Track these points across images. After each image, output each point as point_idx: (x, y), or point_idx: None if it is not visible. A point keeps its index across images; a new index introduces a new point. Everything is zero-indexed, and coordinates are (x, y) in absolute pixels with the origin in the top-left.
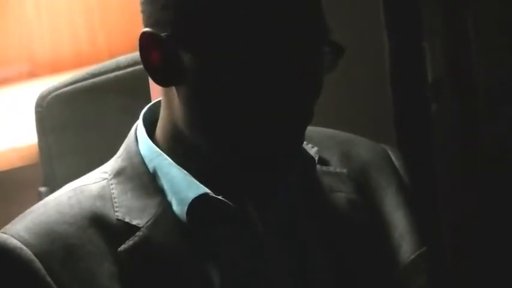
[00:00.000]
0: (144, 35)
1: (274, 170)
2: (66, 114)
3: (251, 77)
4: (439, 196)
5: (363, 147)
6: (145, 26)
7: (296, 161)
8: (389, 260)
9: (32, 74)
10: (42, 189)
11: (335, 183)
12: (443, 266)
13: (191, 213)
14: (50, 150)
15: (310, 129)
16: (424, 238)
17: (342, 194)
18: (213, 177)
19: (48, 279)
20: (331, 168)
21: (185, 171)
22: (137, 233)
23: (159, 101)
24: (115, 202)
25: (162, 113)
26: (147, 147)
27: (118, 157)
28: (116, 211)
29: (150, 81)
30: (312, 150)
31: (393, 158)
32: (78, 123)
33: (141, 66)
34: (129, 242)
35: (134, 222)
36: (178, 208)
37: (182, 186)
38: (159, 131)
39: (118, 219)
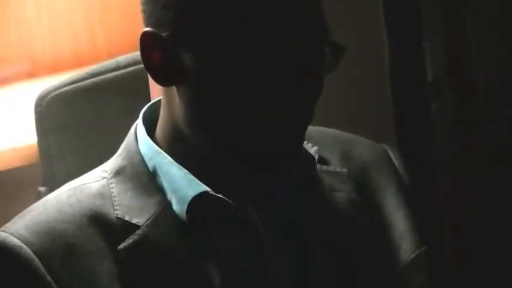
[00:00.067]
0: (144, 35)
1: (274, 170)
2: (65, 114)
3: (251, 77)
4: (439, 196)
5: (363, 147)
6: (146, 26)
7: (296, 161)
8: (389, 259)
9: (32, 74)
10: (42, 189)
11: (335, 183)
12: (443, 266)
13: (191, 211)
14: (50, 150)
15: (311, 129)
16: (424, 238)
17: (342, 194)
18: (213, 176)
19: (48, 278)
20: (331, 168)
21: (185, 170)
22: (137, 232)
23: (159, 100)
24: (115, 201)
25: (162, 113)
26: (147, 146)
27: (118, 156)
28: (116, 210)
29: (150, 80)
30: (312, 149)
31: (393, 158)
32: (78, 123)
33: (140, 66)
34: (129, 241)
35: (134, 221)
36: (178, 207)
37: (182, 185)
38: (159, 130)
39: (118, 218)
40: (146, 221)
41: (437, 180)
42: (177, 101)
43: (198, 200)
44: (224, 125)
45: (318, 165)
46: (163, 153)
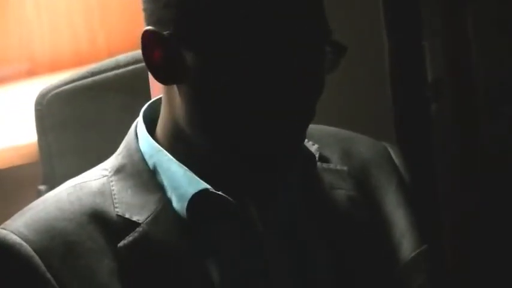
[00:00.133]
0: (146, 33)
1: (274, 170)
2: (65, 113)
3: (251, 77)
4: (439, 196)
5: (364, 145)
6: (148, 24)
7: (296, 160)
8: (389, 258)
9: (32, 73)
10: (42, 187)
11: (335, 181)
12: (443, 265)
13: (191, 209)
14: (50, 148)
15: (311, 127)
16: (425, 237)
17: (342, 191)
18: (214, 174)
19: (48, 275)
20: (331, 166)
21: (185, 167)
22: (137, 229)
23: (160, 99)
24: (115, 199)
25: (163, 111)
26: (147, 144)
27: (118, 154)
28: (116, 207)
29: (150, 79)
30: (312, 147)
31: (393, 155)
32: (78, 121)
33: (140, 65)
34: (129, 238)
35: (134, 218)
36: (179, 204)
37: (182, 182)
38: (159, 129)
39: (118, 216)
40: (146, 218)
41: (437, 180)
42: (177, 99)
43: (198, 197)
44: (224, 125)
45: (318, 163)
46: (164, 151)
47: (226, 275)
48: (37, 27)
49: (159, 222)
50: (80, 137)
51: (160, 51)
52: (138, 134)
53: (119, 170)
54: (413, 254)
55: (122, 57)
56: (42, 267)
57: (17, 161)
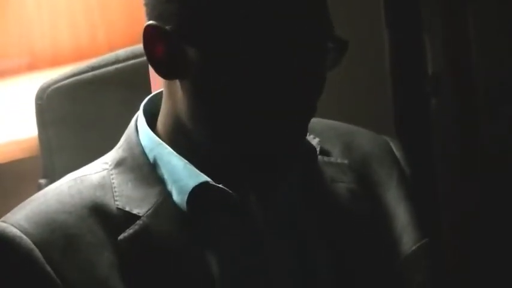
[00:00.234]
0: (148, 28)
1: (274, 170)
2: (66, 107)
3: (251, 77)
4: (439, 196)
5: (365, 138)
6: (149, 19)
7: (296, 160)
8: (390, 250)
9: (32, 67)
10: (42, 181)
11: (336, 174)
12: (443, 259)
13: (191, 201)
14: (50, 142)
15: (313, 120)
16: (425, 231)
17: (343, 185)
18: (214, 168)
19: (48, 268)
20: (332, 159)
21: (185, 161)
22: (137, 222)
23: (160, 93)
24: (115, 192)
25: (164, 105)
26: (147, 137)
27: (119, 148)
28: (116, 200)
29: (151, 73)
30: (313, 140)
31: (395, 149)
32: (78, 116)
33: (141, 59)
34: (129, 231)
35: (134, 211)
36: (179, 197)
37: (182, 175)
38: (160, 123)
39: (118, 209)
40: (147, 211)
41: (437, 180)
42: (179, 94)
43: (199, 190)
44: (224, 124)
45: (319, 157)
46: (164, 144)
47: (226, 267)
48: (38, 21)
49: (159, 215)
50: (80, 131)
51: (162, 46)
52: (138, 128)
53: (119, 164)
54: (414, 248)
55: (122, 52)
56: (42, 260)
57: (17, 155)
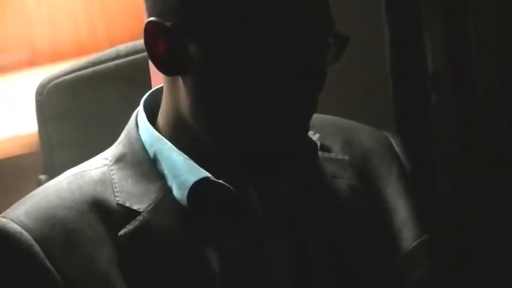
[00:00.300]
0: (149, 24)
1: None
2: (66, 103)
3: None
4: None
5: (365, 134)
6: (149, 16)
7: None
8: (390, 246)
9: (32, 63)
10: (42, 177)
11: (336, 170)
12: (443, 256)
13: (192, 197)
14: (50, 138)
15: (313, 116)
16: (425, 226)
17: (343, 181)
18: (215, 164)
19: (48, 264)
20: (332, 155)
21: (186, 156)
22: (137, 218)
23: (161, 88)
24: (115, 187)
25: (165, 101)
26: (147, 133)
27: (119, 143)
28: (117, 196)
29: (151, 69)
30: (314, 136)
31: (395, 145)
32: (78, 111)
33: (141, 55)
34: (130, 227)
35: (135, 207)
36: (179, 192)
37: (183, 170)
38: (161, 118)
39: (118, 204)
40: (147, 207)
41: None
42: (180, 90)
43: (199, 185)
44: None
45: (319, 153)
46: (164, 139)
47: (226, 264)
48: (38, 17)
49: (159, 210)
50: (80, 127)
51: (163, 43)
52: (138, 123)
53: (119, 159)
54: (414, 244)
55: (122, 47)
56: (42, 256)
57: (17, 151)
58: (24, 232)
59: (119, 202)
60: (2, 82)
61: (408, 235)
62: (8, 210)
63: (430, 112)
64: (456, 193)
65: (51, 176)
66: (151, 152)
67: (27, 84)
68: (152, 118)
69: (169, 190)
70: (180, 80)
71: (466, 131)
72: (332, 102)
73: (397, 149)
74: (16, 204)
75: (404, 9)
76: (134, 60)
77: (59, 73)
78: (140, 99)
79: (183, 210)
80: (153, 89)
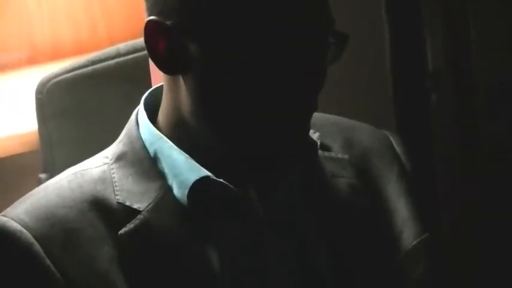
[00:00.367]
0: (149, 23)
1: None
2: (66, 101)
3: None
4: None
5: (365, 133)
6: (149, 14)
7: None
8: (390, 245)
9: (32, 61)
10: (42, 175)
11: (336, 169)
12: (443, 255)
13: (192, 196)
14: (50, 136)
15: (313, 115)
16: (425, 226)
17: (343, 180)
18: (215, 164)
19: (48, 262)
20: (332, 154)
21: (186, 155)
22: (138, 217)
23: (161, 86)
24: (116, 186)
25: (165, 99)
26: (148, 131)
27: (119, 142)
28: (117, 195)
29: (151, 68)
30: (314, 135)
31: (395, 144)
32: (78, 110)
33: (141, 53)
34: (130, 226)
35: (135, 206)
36: (179, 191)
37: (183, 169)
38: (161, 117)
39: (119, 203)
40: (147, 206)
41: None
42: (181, 89)
43: (200, 184)
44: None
45: (319, 152)
46: (164, 138)
47: (227, 264)
48: (38, 15)
49: (159, 209)
50: (80, 125)
51: (163, 42)
52: (139, 122)
53: (119, 158)
54: (414, 243)
55: (122, 46)
56: (42, 255)
57: (17, 149)
58: (25, 231)
59: (119, 201)
60: (2, 80)
61: (408, 234)
62: (8, 209)
63: (430, 112)
64: (456, 193)
65: (52, 174)
66: (151, 151)
67: (27, 82)
68: (152, 117)
69: (169, 189)
70: (180, 79)
71: (466, 131)
72: (332, 102)
73: (397, 148)
74: (16, 203)
75: (405, 9)
76: (134, 59)
77: (59, 71)
78: (140, 98)
79: (183, 209)
80: (153, 88)
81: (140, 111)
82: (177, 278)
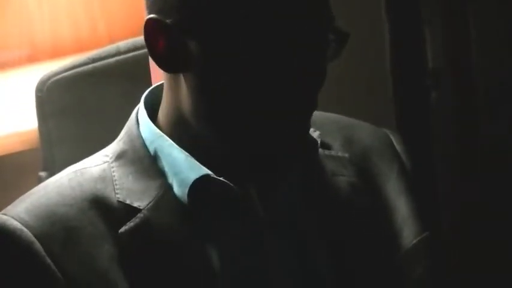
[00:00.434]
0: (149, 22)
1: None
2: (66, 99)
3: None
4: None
5: (365, 131)
6: (149, 13)
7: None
8: (390, 244)
9: (33, 59)
10: (42, 173)
11: (336, 168)
12: (443, 254)
13: (192, 194)
14: (50, 135)
15: (314, 113)
16: (425, 226)
17: (343, 178)
18: (216, 162)
19: (48, 261)
20: (332, 153)
21: (186, 153)
22: (138, 215)
23: (161, 85)
24: (116, 185)
25: (166, 98)
26: (148, 129)
27: (119, 140)
28: (117, 193)
29: (151, 66)
30: (314, 133)
31: (395, 142)
32: (79, 108)
33: (141, 51)
34: (130, 224)
35: (135, 204)
36: (180, 190)
37: (183, 168)
38: (161, 115)
39: (119, 202)
40: (147, 204)
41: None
42: (181, 88)
43: (200, 183)
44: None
45: (320, 150)
46: (165, 136)
47: (227, 262)
48: (38, 13)
49: (160, 208)
50: (81, 123)
51: (163, 40)
52: (139, 120)
53: (120, 156)
54: (414, 241)
55: (122, 44)
56: (42, 253)
57: (17, 148)
58: (25, 229)
59: (120, 199)
60: (2, 78)
61: (408, 233)
62: (9, 208)
63: (430, 112)
64: (456, 193)
65: (52, 172)
66: (151, 149)
67: (27, 80)
68: (153, 115)
69: (169, 187)
70: (180, 77)
71: (466, 131)
72: (332, 102)
73: (398, 146)
74: (16, 202)
75: (405, 9)
76: (134, 57)
77: (59, 69)
78: (140, 96)
79: (184, 208)
80: (153, 86)
81: (140, 109)
82: (177, 277)
